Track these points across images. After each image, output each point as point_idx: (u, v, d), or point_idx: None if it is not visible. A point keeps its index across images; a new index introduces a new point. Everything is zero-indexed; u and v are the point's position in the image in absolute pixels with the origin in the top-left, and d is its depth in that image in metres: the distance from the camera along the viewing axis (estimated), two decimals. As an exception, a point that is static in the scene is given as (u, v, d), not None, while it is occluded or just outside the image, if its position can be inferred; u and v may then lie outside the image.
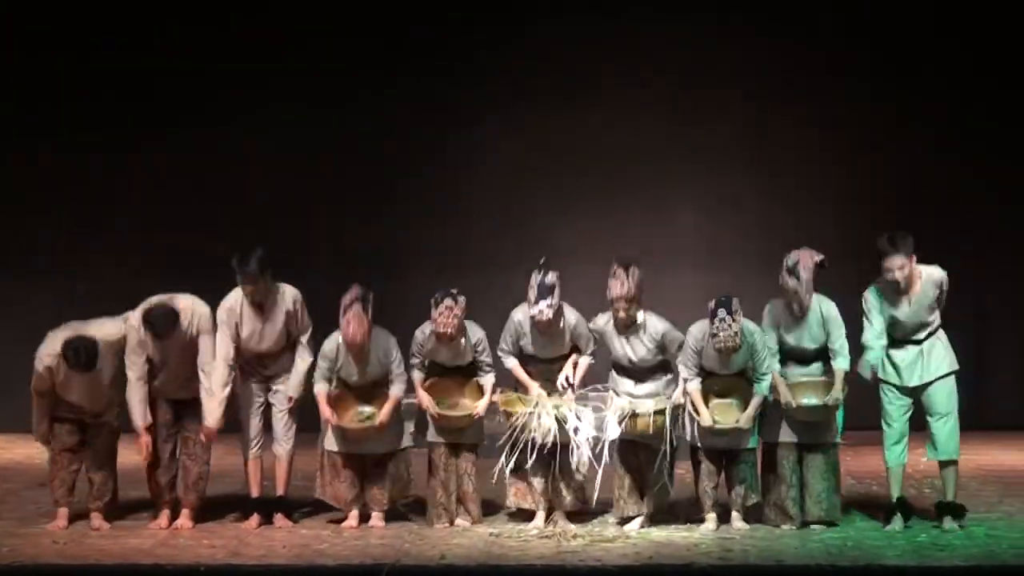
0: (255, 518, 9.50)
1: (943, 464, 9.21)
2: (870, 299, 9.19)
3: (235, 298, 9.42)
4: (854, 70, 13.43)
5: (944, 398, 9.17)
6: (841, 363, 9.24)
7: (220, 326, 9.37)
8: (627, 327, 9.29)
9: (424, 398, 9.46)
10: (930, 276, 9.17)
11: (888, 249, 9.05)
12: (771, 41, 13.42)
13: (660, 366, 9.41)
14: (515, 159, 13.45)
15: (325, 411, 9.38)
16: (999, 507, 9.73)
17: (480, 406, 9.48)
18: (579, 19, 13.49)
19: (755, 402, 9.18)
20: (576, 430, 9.26)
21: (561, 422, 9.27)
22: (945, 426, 9.15)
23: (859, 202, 13.08)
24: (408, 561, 8.45)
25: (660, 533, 9.16)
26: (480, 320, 9.55)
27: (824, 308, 9.27)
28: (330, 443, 9.48)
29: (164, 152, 13.30)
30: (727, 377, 9.27)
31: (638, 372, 9.38)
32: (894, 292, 9.13)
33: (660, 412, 9.18)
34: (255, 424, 9.56)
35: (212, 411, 9.31)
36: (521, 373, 9.47)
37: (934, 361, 9.17)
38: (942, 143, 13.38)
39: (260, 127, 13.35)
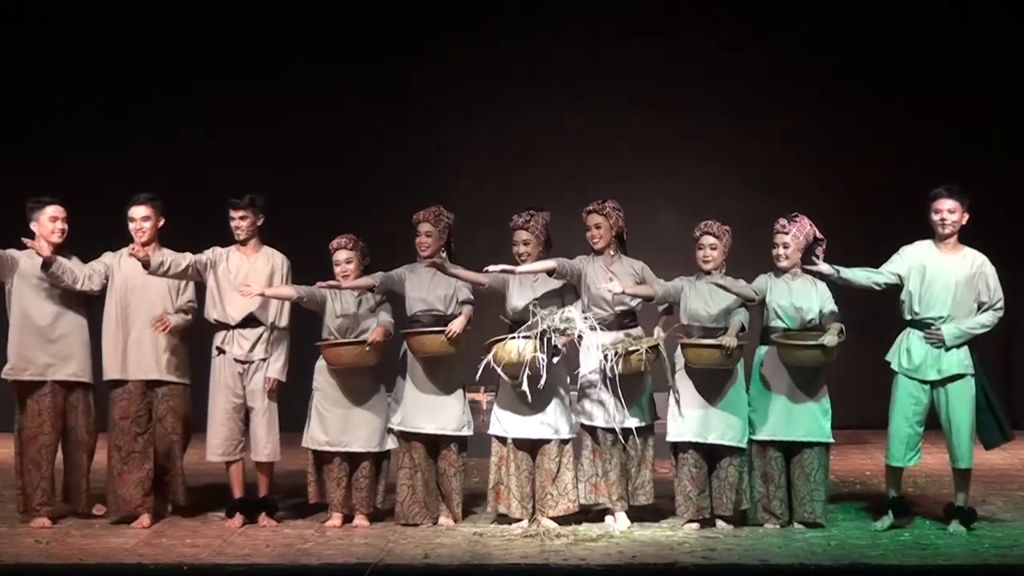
0: (238, 517, 9.48)
1: (958, 470, 9.16)
2: (904, 250, 9.18)
3: (222, 248, 9.57)
4: (839, 67, 13.43)
5: (962, 400, 9.05)
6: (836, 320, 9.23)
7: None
8: (607, 258, 9.34)
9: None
10: (975, 255, 9.15)
11: (941, 193, 9.09)
12: (755, 38, 13.43)
13: (629, 314, 9.37)
14: (491, 157, 13.45)
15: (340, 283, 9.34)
16: (981, 506, 9.72)
17: (455, 324, 9.30)
18: (558, 18, 13.48)
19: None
20: (579, 337, 9.15)
21: (557, 332, 9.12)
22: (962, 431, 9.08)
23: (843, 200, 13.10)
24: (392, 560, 8.44)
25: (644, 532, 9.16)
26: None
27: (819, 284, 9.28)
28: (312, 441, 9.47)
29: (154, 153, 13.29)
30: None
31: (608, 318, 9.28)
32: (935, 244, 9.11)
33: (654, 347, 9.16)
34: (231, 428, 9.51)
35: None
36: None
37: (955, 358, 9.07)
38: (932, 142, 13.37)
39: (242, 127, 13.34)
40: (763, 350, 9.34)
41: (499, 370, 9.15)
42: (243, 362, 9.47)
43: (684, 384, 9.31)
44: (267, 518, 9.52)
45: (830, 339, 9.06)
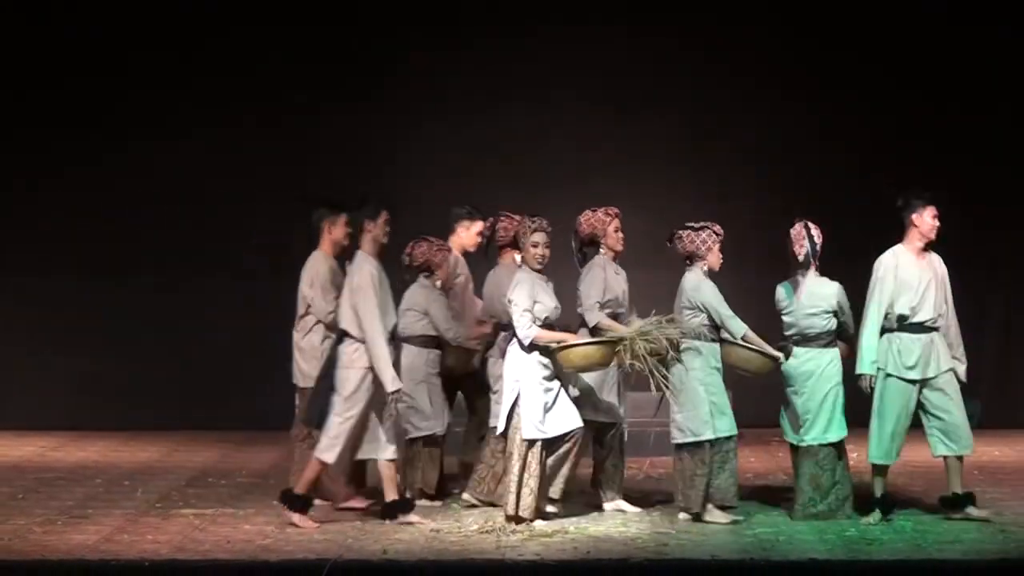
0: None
1: (956, 458, 9.42)
2: (886, 267, 9.37)
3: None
4: (800, 70, 13.52)
5: (954, 391, 9.38)
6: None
7: (367, 291, 9.21)
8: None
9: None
10: (939, 258, 9.44)
11: (930, 199, 9.34)
12: (716, 40, 13.48)
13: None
14: (457, 160, 13.51)
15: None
16: (925, 502, 9.94)
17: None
18: (521, 18, 13.55)
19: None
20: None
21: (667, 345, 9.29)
22: (960, 417, 9.38)
23: (804, 203, 13.22)
24: (351, 556, 8.53)
25: (597, 528, 9.30)
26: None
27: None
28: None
29: (137, 162, 13.34)
30: None
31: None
32: (908, 249, 9.36)
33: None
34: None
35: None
36: (611, 322, 9.50)
37: (945, 354, 9.37)
38: (894, 144, 13.49)
39: (222, 135, 13.37)
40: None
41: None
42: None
43: (697, 384, 9.40)
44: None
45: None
